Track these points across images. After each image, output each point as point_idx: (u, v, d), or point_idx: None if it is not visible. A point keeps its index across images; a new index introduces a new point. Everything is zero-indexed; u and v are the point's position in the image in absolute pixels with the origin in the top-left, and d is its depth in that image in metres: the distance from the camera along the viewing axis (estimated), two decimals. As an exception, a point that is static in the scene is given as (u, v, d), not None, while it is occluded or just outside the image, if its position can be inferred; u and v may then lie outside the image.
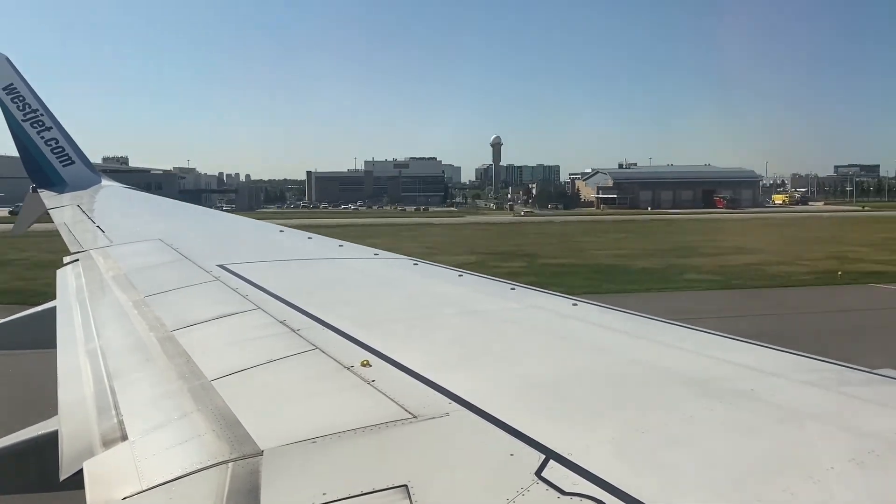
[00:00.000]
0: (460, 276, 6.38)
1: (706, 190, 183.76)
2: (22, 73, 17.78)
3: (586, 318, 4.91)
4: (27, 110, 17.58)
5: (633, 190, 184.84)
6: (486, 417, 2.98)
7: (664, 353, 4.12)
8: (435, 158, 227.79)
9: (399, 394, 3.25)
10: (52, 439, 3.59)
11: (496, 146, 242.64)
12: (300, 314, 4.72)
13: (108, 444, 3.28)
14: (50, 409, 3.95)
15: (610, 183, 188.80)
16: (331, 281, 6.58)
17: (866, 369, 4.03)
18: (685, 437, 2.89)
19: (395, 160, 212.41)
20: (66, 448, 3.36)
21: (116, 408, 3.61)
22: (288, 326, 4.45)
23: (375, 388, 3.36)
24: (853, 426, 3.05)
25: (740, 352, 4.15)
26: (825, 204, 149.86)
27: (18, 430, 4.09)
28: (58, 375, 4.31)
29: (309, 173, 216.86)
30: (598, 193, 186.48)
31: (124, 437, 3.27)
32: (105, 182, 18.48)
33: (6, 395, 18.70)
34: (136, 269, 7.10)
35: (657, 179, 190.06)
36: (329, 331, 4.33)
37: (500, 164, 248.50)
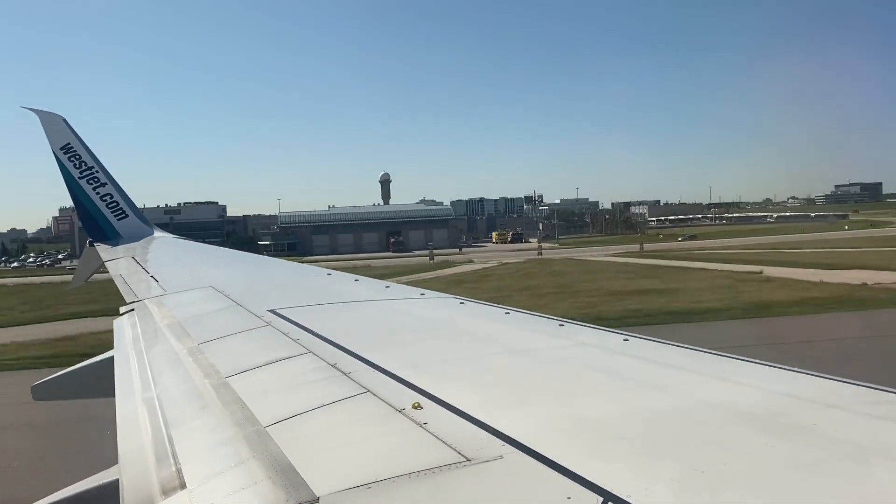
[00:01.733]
0: (507, 313, 6.35)
1: (390, 232, 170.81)
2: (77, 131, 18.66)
3: (638, 353, 4.82)
4: (83, 168, 18.38)
5: (301, 234, 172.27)
6: (541, 459, 2.94)
7: (720, 387, 4.01)
8: (216, 202, 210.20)
9: (451, 436, 3.23)
10: (113, 488, 3.67)
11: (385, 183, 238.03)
12: (350, 357, 4.76)
13: (167, 492, 3.33)
14: (111, 457, 4.04)
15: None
16: (379, 323, 6.63)
17: None
18: (745, 475, 2.81)
19: (166, 205, 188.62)
20: (126, 497, 3.43)
21: (174, 456, 3.67)
22: (339, 370, 4.48)
23: (428, 430, 3.35)
24: None
25: (800, 384, 4.02)
26: (539, 242, 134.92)
27: (81, 479, 4.20)
28: (117, 424, 4.41)
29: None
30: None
31: (183, 486, 3.32)
32: (157, 233, 19.10)
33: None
34: (190, 317, 7.27)
35: (333, 222, 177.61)
36: (379, 373, 4.34)
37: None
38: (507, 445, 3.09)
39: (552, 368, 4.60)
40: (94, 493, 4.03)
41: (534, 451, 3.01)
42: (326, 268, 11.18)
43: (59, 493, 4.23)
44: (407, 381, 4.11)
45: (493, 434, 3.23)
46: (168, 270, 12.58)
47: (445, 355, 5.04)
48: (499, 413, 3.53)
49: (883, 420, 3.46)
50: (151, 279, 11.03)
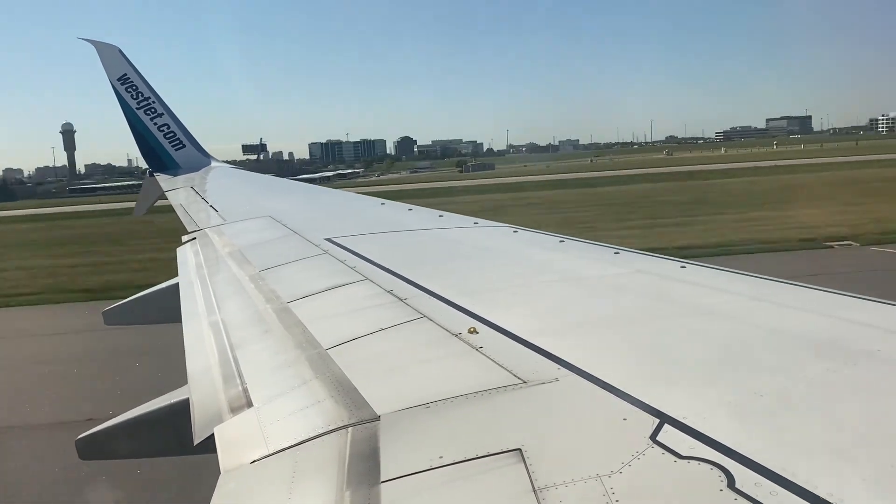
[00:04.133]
0: (561, 241, 6.31)
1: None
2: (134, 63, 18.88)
3: (695, 280, 4.76)
4: (140, 98, 18.67)
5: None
6: (596, 382, 2.97)
7: (780, 313, 3.94)
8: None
9: (507, 360, 3.28)
10: (183, 407, 3.86)
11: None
12: (406, 284, 4.83)
13: (234, 410, 3.49)
14: (181, 378, 4.24)
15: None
16: (433, 251, 6.68)
17: None
18: (806, 399, 2.78)
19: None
20: (197, 415, 3.61)
21: (240, 376, 3.83)
22: (395, 296, 4.57)
23: (484, 354, 3.41)
24: None
25: (863, 310, 3.92)
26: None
27: (153, 398, 4.43)
28: (185, 347, 4.62)
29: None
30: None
31: (249, 404, 3.47)
32: (215, 163, 19.40)
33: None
34: (250, 246, 7.46)
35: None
36: (435, 299, 4.40)
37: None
38: (562, 369, 3.12)
39: (607, 295, 4.59)
40: (165, 411, 4.26)
41: (589, 375, 3.04)
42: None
43: (132, 410, 4.48)
44: (462, 307, 4.16)
45: (548, 358, 3.26)
46: (226, 200, 12.85)
47: (499, 282, 5.07)
48: (554, 338, 3.55)
49: None
50: (211, 209, 11.31)
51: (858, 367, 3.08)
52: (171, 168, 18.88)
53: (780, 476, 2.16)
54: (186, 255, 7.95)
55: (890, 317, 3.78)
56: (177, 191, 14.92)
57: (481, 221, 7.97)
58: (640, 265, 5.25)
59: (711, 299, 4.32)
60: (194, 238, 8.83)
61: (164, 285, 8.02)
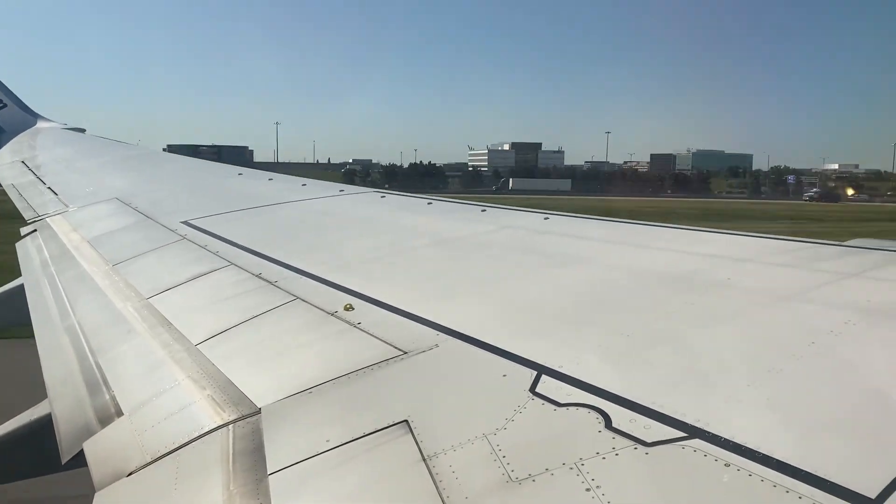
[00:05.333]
0: (430, 203, 6.35)
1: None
2: None
3: (559, 230, 4.94)
4: None
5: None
6: (475, 343, 3.03)
7: (640, 255, 4.18)
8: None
9: (386, 332, 3.28)
10: (46, 423, 3.59)
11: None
12: (274, 265, 4.68)
13: (104, 421, 3.29)
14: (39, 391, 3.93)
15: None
16: (300, 225, 6.50)
17: (836, 242, 4.16)
18: (668, 333, 2.98)
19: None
20: (62, 430, 3.36)
21: (106, 384, 3.60)
22: (264, 279, 4.42)
23: (362, 329, 3.38)
24: (828, 300, 3.17)
25: (715, 243, 4.23)
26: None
27: (11, 418, 4.09)
28: (40, 357, 4.26)
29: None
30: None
31: (119, 413, 3.27)
32: (43, 123, 17.34)
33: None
34: (100, 236, 6.93)
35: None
36: (306, 278, 4.30)
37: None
38: (441, 335, 3.16)
39: (479, 254, 4.67)
40: (25, 432, 3.94)
41: (468, 337, 3.10)
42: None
43: None
44: (335, 284, 4.10)
45: (426, 325, 3.29)
46: (66, 179, 11.52)
47: (372, 253, 5.03)
48: (431, 304, 3.58)
49: (790, 267, 3.71)
50: (49, 191, 10.28)
51: (713, 297, 3.33)
52: None
53: (652, 409, 2.30)
54: (28, 251, 7.26)
55: (738, 246, 4.10)
56: (2, 167, 13.38)
57: (347, 187, 7.84)
58: (506, 220, 5.38)
59: (575, 247, 4.51)
60: (35, 230, 8.09)
61: (6, 287, 7.35)
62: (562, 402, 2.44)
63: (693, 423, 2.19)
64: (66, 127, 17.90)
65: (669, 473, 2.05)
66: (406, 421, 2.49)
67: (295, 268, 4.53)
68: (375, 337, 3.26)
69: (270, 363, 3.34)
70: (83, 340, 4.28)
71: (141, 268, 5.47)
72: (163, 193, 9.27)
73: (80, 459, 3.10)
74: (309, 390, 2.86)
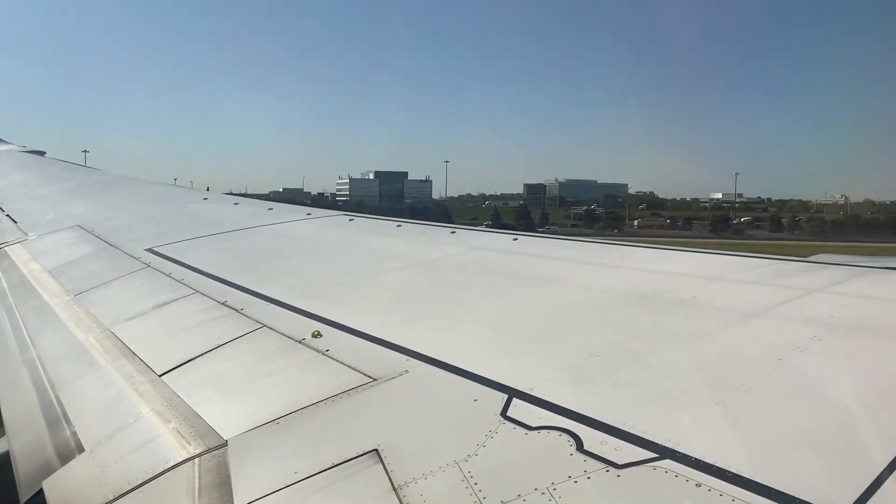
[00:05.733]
0: (399, 226, 6.33)
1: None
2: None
3: (528, 251, 4.97)
4: None
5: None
6: (445, 367, 3.01)
7: (608, 274, 4.22)
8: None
9: (355, 359, 3.24)
10: (4, 461, 3.47)
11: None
12: (241, 292, 4.61)
13: (64, 458, 3.18)
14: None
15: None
16: (267, 250, 6.42)
17: (800, 259, 4.24)
18: (637, 353, 2.99)
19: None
20: (20, 468, 3.25)
21: (67, 419, 3.50)
22: (230, 307, 4.35)
23: (330, 357, 3.34)
24: (793, 316, 3.22)
25: (682, 261, 4.28)
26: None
27: None
28: None
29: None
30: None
31: (81, 449, 3.17)
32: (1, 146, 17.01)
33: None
34: (61, 266, 6.78)
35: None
36: (274, 305, 4.25)
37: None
38: (411, 360, 3.13)
39: (448, 277, 4.66)
40: None
41: (438, 361, 3.07)
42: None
43: None
44: (303, 310, 4.05)
45: (396, 350, 3.26)
46: (25, 206, 11.19)
47: (340, 277, 4.99)
48: (401, 329, 3.56)
49: (755, 284, 3.77)
50: (7, 218, 10.04)
51: (679, 316, 3.36)
52: None
53: (623, 430, 2.30)
54: None
55: (703, 264, 4.16)
56: None
57: (314, 211, 7.79)
58: (475, 242, 5.39)
59: (543, 268, 4.53)
60: None
61: None
62: (533, 425, 2.43)
63: (663, 444, 2.20)
64: (24, 150, 17.43)
65: (641, 496, 2.04)
66: (376, 450, 2.45)
67: (261, 294, 4.47)
68: (344, 364, 3.22)
69: (237, 393, 3.28)
70: (43, 374, 4.16)
71: (103, 297, 5.35)
72: (126, 220, 9.10)
73: (39, 498, 3.00)
74: (276, 421, 2.81)
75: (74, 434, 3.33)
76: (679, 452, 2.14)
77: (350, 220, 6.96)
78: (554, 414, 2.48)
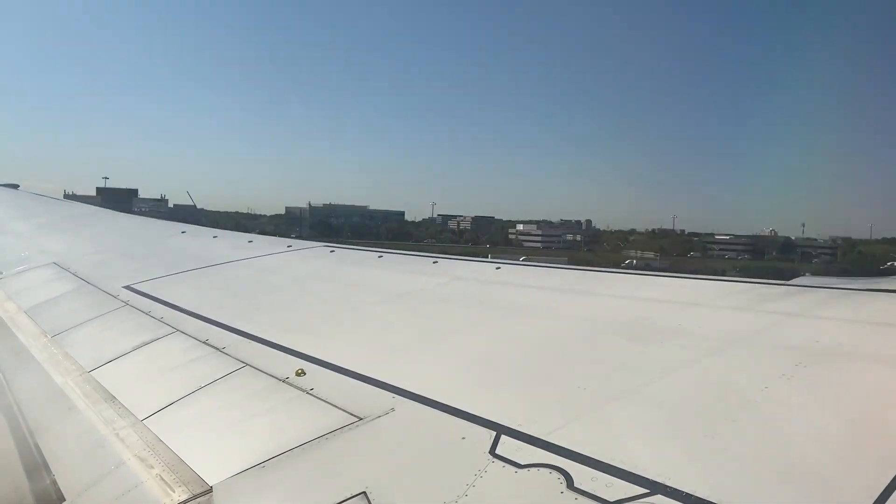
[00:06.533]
0: (380, 257, 6.31)
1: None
2: None
3: (511, 280, 4.96)
4: None
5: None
6: (432, 404, 2.98)
7: (592, 302, 4.22)
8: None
9: (340, 398, 3.20)
10: None
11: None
12: (222, 329, 4.56)
13: None
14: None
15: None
16: (248, 285, 6.37)
17: (781, 282, 4.27)
18: (623, 385, 2.98)
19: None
20: None
21: (46, 467, 3.42)
22: (212, 346, 4.29)
23: (315, 396, 3.30)
24: (778, 343, 3.23)
25: (664, 287, 4.30)
26: None
27: None
28: None
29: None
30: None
31: (61, 499, 3.10)
32: None
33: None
34: (37, 306, 6.66)
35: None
36: (256, 342, 4.20)
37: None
38: (397, 397, 3.10)
39: (432, 309, 4.64)
40: None
41: (425, 398, 3.04)
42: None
43: None
44: (286, 347, 4.01)
45: (382, 388, 3.23)
46: None
47: (323, 312, 4.95)
48: (386, 365, 3.53)
49: (739, 310, 3.79)
50: None
51: (665, 345, 3.36)
52: None
53: (612, 466, 2.29)
54: None
55: (687, 289, 4.17)
56: None
57: (295, 243, 7.75)
58: (458, 272, 5.38)
59: (527, 297, 4.52)
60: None
61: None
62: (522, 463, 2.41)
63: (654, 479, 2.19)
64: None
65: None
66: (364, 493, 2.42)
67: (243, 332, 4.42)
68: (329, 403, 3.18)
69: (221, 436, 3.22)
70: (20, 419, 4.07)
71: (82, 338, 5.26)
72: (104, 256, 9.00)
73: None
74: (262, 464, 2.76)
75: (55, 482, 3.25)
76: (670, 487, 2.13)
77: (331, 251, 6.94)
78: (543, 450, 2.46)
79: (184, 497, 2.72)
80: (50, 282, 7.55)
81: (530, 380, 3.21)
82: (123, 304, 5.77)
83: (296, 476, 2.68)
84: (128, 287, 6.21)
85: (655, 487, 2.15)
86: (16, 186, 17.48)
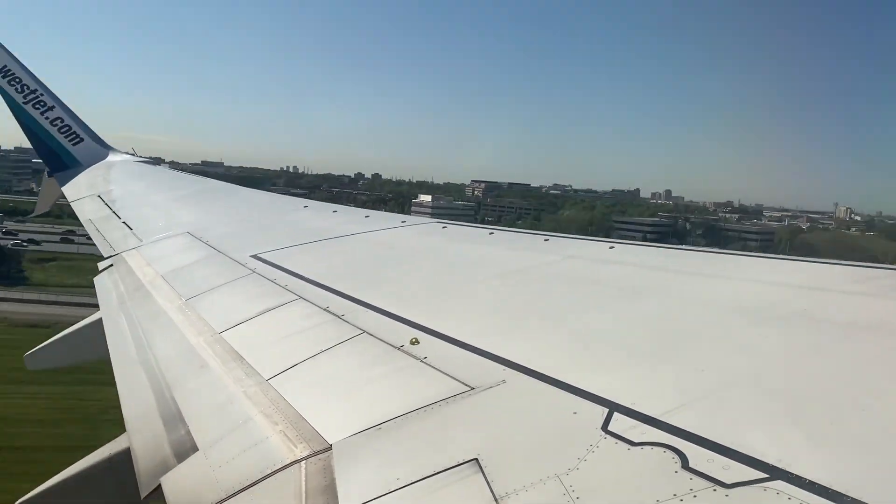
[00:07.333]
0: (491, 233, 6.33)
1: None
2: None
3: (625, 259, 4.85)
4: (26, 92, 16.98)
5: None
6: (544, 379, 2.99)
7: (711, 285, 4.06)
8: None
9: (453, 368, 3.27)
10: (125, 457, 3.70)
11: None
12: (341, 298, 4.74)
13: (180, 456, 3.37)
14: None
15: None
16: (365, 258, 6.57)
17: None
18: (744, 368, 2.87)
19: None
20: (140, 465, 3.46)
21: (182, 419, 3.70)
22: (332, 313, 4.48)
23: (429, 364, 3.38)
24: None
25: (790, 271, 4.08)
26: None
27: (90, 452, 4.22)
28: (119, 392, 4.41)
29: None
30: None
31: (195, 448, 3.35)
32: (114, 156, 17.81)
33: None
34: (172, 271, 7.17)
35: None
36: (373, 311, 4.34)
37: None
38: (508, 370, 3.13)
39: (544, 286, 4.62)
40: (105, 465, 4.07)
41: (536, 372, 3.06)
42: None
43: (70, 468, 4.26)
44: (401, 317, 4.12)
45: (493, 360, 3.27)
46: (139, 213, 11.94)
47: (436, 285, 5.04)
48: (497, 338, 3.56)
49: (871, 296, 3.53)
50: (124, 226, 10.69)
51: (789, 330, 3.20)
52: (73, 166, 17.18)
53: (731, 449, 2.22)
54: (106, 286, 7.55)
55: (812, 274, 3.94)
56: (82, 201, 13.70)
57: (408, 219, 7.91)
58: (571, 251, 5.32)
59: (643, 278, 4.41)
60: (111, 265, 8.42)
61: (86, 322, 7.65)
62: (636, 440, 2.38)
63: (775, 464, 2.11)
64: (138, 159, 18.55)
65: None
66: (476, 459, 2.47)
67: (361, 301, 4.58)
68: (442, 372, 3.25)
69: (340, 399, 3.38)
70: (159, 375, 4.41)
71: (213, 302, 5.62)
72: (232, 227, 9.54)
73: (158, 493, 3.18)
74: (378, 426, 2.87)
75: (189, 434, 3.52)
76: (792, 473, 2.05)
77: (444, 227, 7.04)
78: (657, 430, 2.41)
79: (305, 453, 2.87)
80: (184, 250, 8.08)
81: (645, 360, 3.14)
82: (251, 271, 6.11)
83: (410, 439, 2.77)
84: (255, 256, 6.56)
85: (776, 473, 2.07)
86: (158, 161, 18.69)
